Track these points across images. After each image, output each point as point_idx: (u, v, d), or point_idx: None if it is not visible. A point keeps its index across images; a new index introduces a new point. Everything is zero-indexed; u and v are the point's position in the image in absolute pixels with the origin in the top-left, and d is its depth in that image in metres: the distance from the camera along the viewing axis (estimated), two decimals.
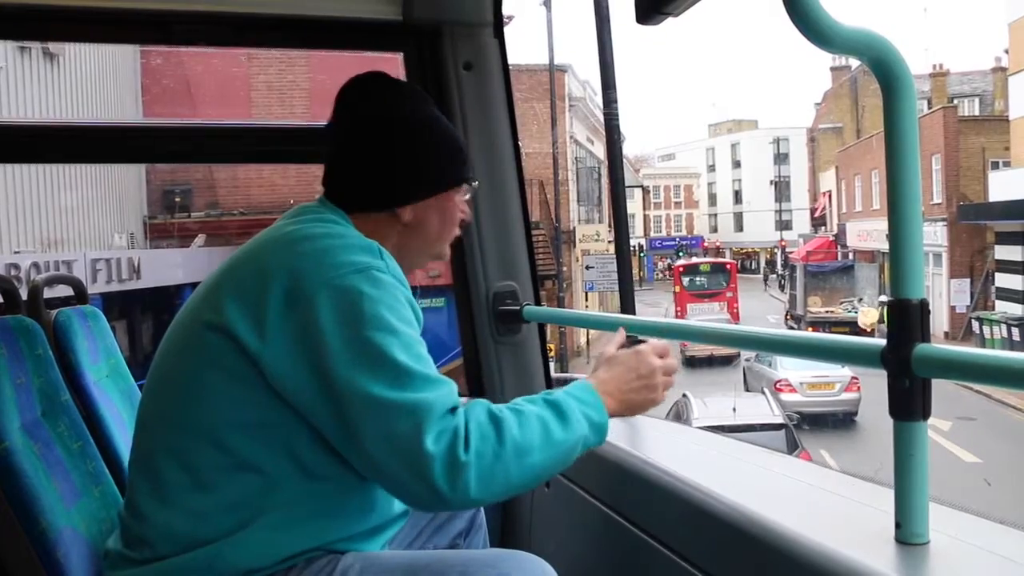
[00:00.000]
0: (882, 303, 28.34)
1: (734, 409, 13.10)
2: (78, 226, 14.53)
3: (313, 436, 1.42)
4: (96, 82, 14.67)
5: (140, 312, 16.35)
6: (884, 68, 1.21)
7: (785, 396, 17.15)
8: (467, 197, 1.72)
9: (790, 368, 18.33)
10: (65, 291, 2.58)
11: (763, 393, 15.90)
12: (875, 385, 16.16)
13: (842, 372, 17.74)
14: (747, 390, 19.27)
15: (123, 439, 2.08)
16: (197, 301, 1.51)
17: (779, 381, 18.28)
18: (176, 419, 1.47)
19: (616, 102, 3.68)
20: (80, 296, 2.51)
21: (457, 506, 1.34)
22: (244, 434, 1.42)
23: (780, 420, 13.13)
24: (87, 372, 2.09)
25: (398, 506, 1.62)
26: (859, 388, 18.13)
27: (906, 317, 1.21)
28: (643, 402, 1.61)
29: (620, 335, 1.74)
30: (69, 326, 2.09)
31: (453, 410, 1.35)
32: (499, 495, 1.37)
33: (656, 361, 1.61)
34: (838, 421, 18.26)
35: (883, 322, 27.25)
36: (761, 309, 38.14)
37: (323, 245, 1.44)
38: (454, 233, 1.71)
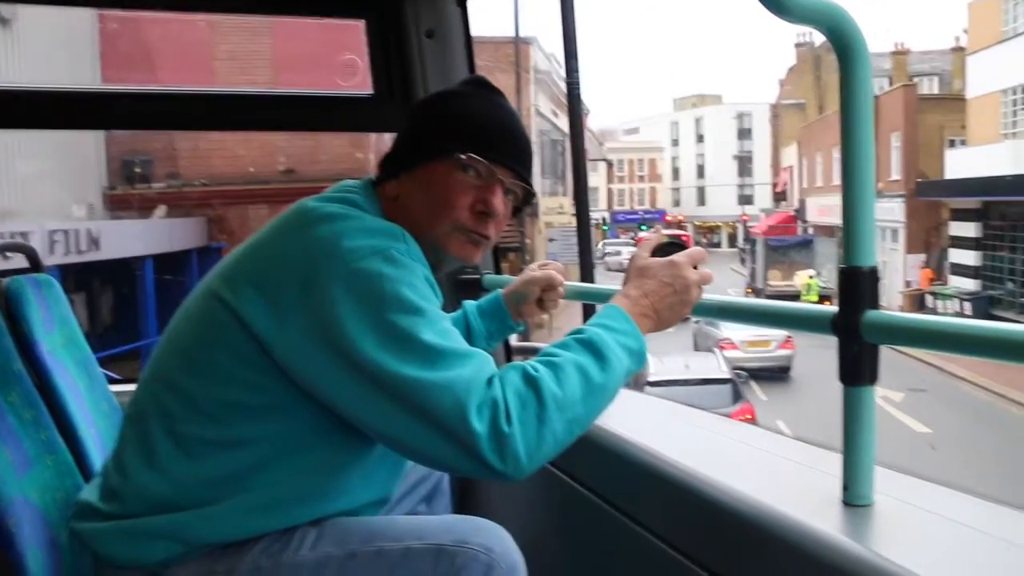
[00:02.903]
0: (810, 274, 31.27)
1: (687, 366, 14.30)
2: (34, 197, 14.26)
3: (314, 423, 1.41)
4: (52, 47, 14.34)
5: (100, 284, 16.13)
6: (840, 37, 1.23)
7: (727, 353, 18.27)
8: (478, 180, 1.53)
9: (732, 328, 19.62)
10: (21, 263, 2.53)
11: (713, 352, 17.21)
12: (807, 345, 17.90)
13: (778, 331, 18.64)
14: (696, 349, 20.27)
15: (78, 408, 2.05)
16: (220, 272, 1.48)
17: (722, 340, 19.61)
18: (177, 385, 1.44)
19: (578, 72, 3.66)
20: (34, 265, 2.47)
21: (514, 477, 1.27)
22: (242, 414, 1.40)
23: (727, 376, 14.30)
24: (40, 341, 2.05)
25: (374, 494, 1.59)
26: (793, 345, 19.85)
27: (856, 284, 1.24)
28: (676, 317, 1.51)
29: (655, 237, 1.60)
30: (21, 294, 2.05)
31: (490, 381, 1.29)
32: (552, 455, 1.31)
33: (692, 275, 1.50)
34: (774, 375, 19.87)
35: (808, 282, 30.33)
36: (721, 283, 38.50)
37: (339, 228, 1.39)
38: (451, 217, 1.52)
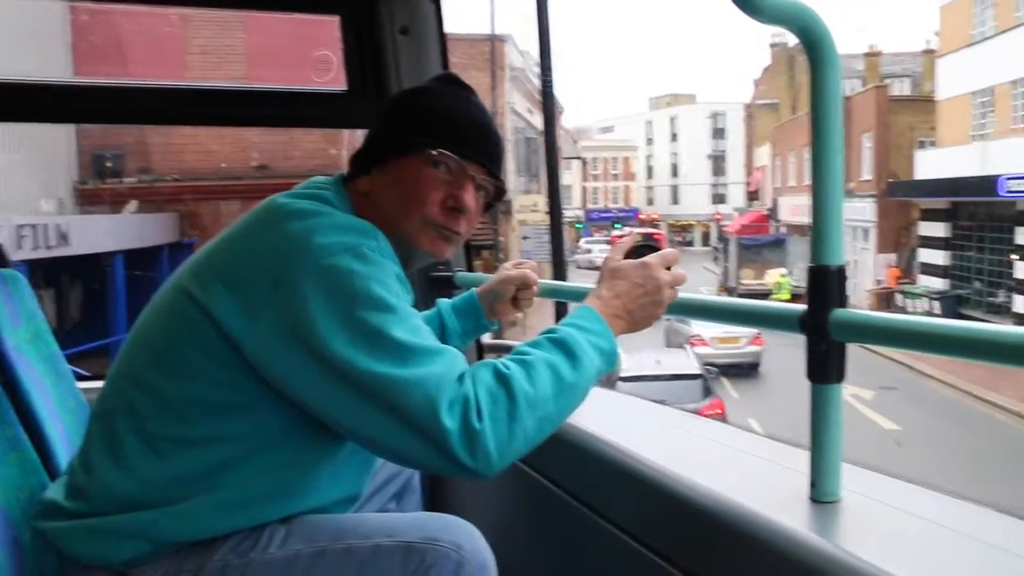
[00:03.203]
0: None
1: (658, 362, 14.56)
2: (2, 191, 14.08)
3: (284, 420, 1.40)
4: (21, 38, 14.14)
5: (69, 280, 15.96)
6: (810, 37, 1.24)
7: (698, 349, 18.62)
8: (448, 175, 1.53)
9: (703, 325, 19.86)
10: None
11: (684, 348, 17.73)
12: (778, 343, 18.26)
13: (748, 328, 18.89)
14: (667, 345, 20.54)
15: (45, 405, 2.03)
16: (189, 268, 1.46)
17: (693, 336, 19.93)
18: (146, 383, 1.43)
19: (551, 70, 3.68)
20: (1, 260, 2.43)
21: (484, 474, 1.27)
22: (211, 411, 1.39)
23: (697, 371, 14.59)
24: (6, 337, 2.02)
25: (343, 492, 1.58)
26: (762, 342, 20.42)
27: (825, 283, 1.25)
28: (649, 317, 1.52)
29: (628, 240, 1.60)
30: None
31: (461, 377, 1.29)
32: (522, 452, 1.31)
33: (664, 276, 1.51)
34: (744, 372, 20.39)
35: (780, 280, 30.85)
36: (694, 281, 38.66)
37: (310, 224, 1.38)
38: (422, 211, 1.51)
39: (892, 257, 31.52)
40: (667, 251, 1.56)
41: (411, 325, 1.33)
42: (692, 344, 19.12)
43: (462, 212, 1.55)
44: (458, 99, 1.61)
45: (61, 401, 2.12)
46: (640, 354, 14.77)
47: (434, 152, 1.51)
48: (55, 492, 1.53)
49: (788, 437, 1.69)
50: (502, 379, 1.29)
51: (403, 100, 1.65)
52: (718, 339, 20.12)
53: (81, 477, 1.46)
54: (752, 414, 15.81)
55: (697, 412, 13.01)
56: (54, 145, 16.42)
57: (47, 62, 15.17)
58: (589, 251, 48.65)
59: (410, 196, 1.52)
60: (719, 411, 13.38)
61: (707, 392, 13.99)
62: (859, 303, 28.82)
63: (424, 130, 1.53)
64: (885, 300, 29.35)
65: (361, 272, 1.32)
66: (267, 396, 1.37)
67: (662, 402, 2.22)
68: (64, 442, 1.96)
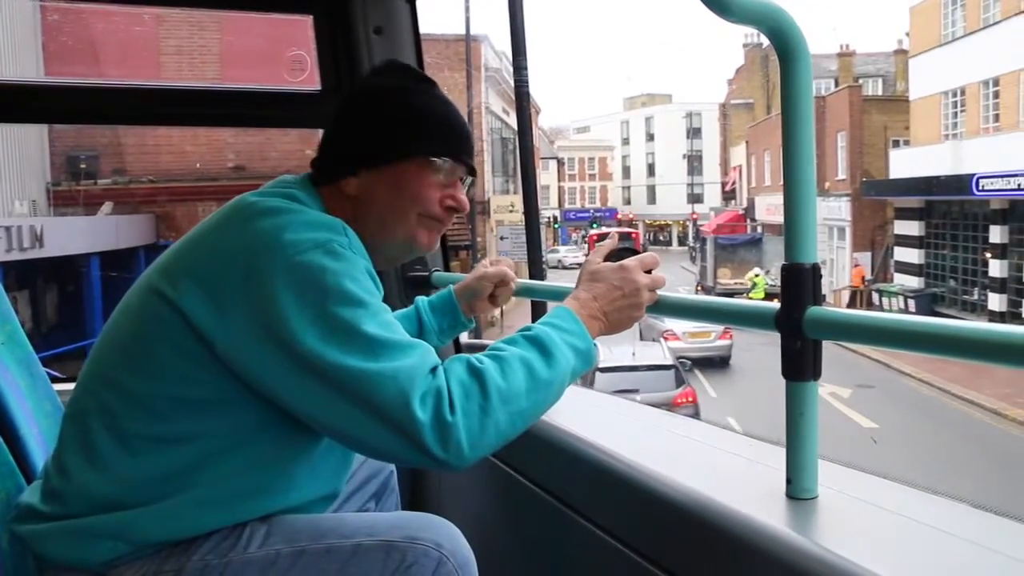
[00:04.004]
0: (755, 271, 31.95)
1: (633, 353, 15.21)
2: None
3: (258, 417, 1.40)
4: None
5: (44, 282, 15.81)
6: (781, 38, 1.25)
7: (670, 343, 19.11)
8: (444, 178, 1.59)
9: (675, 320, 19.97)
10: None
11: (658, 341, 18.45)
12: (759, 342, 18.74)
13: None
14: (642, 338, 20.89)
15: (19, 408, 2.01)
16: (159, 267, 1.46)
17: (666, 331, 20.54)
18: (118, 382, 1.42)
19: (526, 68, 3.67)
20: None
21: (456, 466, 1.28)
22: (185, 409, 1.39)
23: (670, 362, 15.34)
24: None
25: (321, 489, 1.58)
26: (731, 336, 21.51)
27: (799, 281, 1.26)
28: (626, 320, 1.54)
29: (609, 243, 1.63)
30: None
31: (433, 371, 1.31)
32: (494, 446, 1.32)
33: (642, 278, 1.53)
34: (715, 365, 21.38)
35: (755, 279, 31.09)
36: (672, 280, 38.85)
37: (281, 221, 1.38)
38: (420, 208, 1.57)
39: (866, 255, 31.78)
40: (646, 255, 1.59)
41: (382, 320, 1.34)
42: (665, 338, 19.58)
43: (459, 210, 1.63)
44: (435, 100, 1.64)
45: (36, 404, 2.10)
46: (617, 347, 15.20)
47: (437, 160, 1.57)
48: (31, 495, 1.51)
49: (771, 437, 1.70)
50: (475, 373, 1.31)
51: (382, 103, 1.63)
52: (689, 333, 20.96)
53: (56, 479, 1.45)
54: (730, 412, 15.92)
55: (671, 399, 13.61)
56: (27, 146, 16.24)
57: (17, 61, 15.01)
58: (556, 251, 50.67)
59: (412, 197, 1.57)
60: (691, 399, 14.19)
61: (680, 382, 14.64)
62: (831, 302, 29.05)
63: (421, 135, 1.57)
64: (854, 298, 29.60)
65: (332, 268, 1.33)
66: (241, 392, 1.37)
67: (637, 390, 2.24)
68: (40, 445, 1.94)
